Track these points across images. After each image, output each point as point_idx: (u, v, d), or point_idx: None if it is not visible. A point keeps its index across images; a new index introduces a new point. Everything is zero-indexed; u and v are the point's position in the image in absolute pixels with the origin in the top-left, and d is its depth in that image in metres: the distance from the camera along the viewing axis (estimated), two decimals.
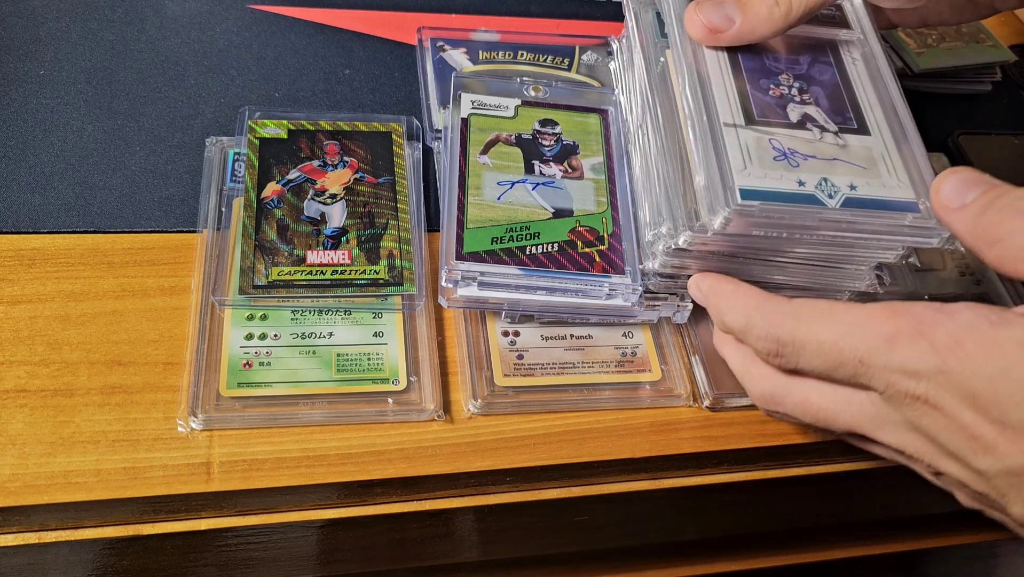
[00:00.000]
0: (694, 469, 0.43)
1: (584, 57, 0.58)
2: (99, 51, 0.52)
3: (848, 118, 0.42)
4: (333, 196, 0.45)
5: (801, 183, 0.39)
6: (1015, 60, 0.63)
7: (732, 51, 0.44)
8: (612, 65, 0.54)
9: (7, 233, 0.43)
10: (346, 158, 0.47)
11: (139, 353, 0.40)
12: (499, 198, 0.44)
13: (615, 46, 0.53)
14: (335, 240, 0.44)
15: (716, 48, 0.43)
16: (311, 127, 0.48)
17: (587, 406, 0.42)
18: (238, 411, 0.38)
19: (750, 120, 0.41)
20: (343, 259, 0.43)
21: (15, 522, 0.36)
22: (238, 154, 0.47)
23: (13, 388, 0.38)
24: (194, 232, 0.45)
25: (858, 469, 0.45)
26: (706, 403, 0.43)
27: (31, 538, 0.37)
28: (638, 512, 0.46)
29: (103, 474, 0.36)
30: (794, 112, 0.42)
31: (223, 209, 0.45)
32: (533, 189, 0.45)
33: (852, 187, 0.39)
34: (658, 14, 0.47)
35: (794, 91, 0.43)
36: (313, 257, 0.43)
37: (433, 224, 0.47)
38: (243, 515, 0.38)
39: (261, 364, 0.40)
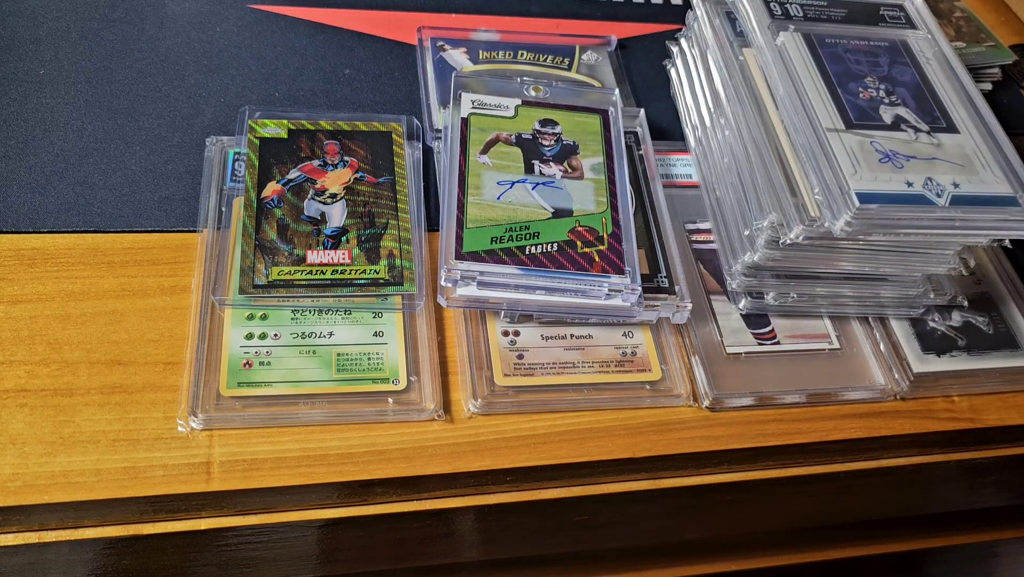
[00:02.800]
0: (694, 469, 0.43)
1: (584, 57, 0.58)
2: (99, 51, 0.52)
3: (936, 117, 0.44)
4: (333, 196, 0.45)
5: (909, 184, 0.41)
6: (1015, 60, 0.63)
7: (815, 55, 0.46)
8: (671, 62, 0.56)
9: (7, 233, 0.43)
10: (346, 158, 0.47)
11: (139, 353, 0.40)
12: (499, 198, 0.44)
13: (673, 46, 0.56)
14: (335, 240, 0.44)
15: (800, 53, 0.45)
16: (311, 127, 0.48)
17: (587, 406, 0.42)
18: (238, 411, 0.38)
19: (849, 124, 0.43)
20: (343, 259, 0.43)
21: (15, 521, 0.36)
22: (238, 154, 0.47)
23: (13, 388, 0.38)
24: (194, 232, 0.45)
25: (858, 469, 0.45)
26: (706, 403, 0.43)
27: (31, 537, 0.37)
28: (638, 512, 0.46)
29: (103, 474, 0.36)
30: (887, 114, 0.44)
31: (223, 209, 0.45)
32: (533, 189, 0.45)
33: (955, 185, 0.41)
34: (728, 13, 0.50)
35: (882, 93, 0.45)
36: (313, 257, 0.43)
37: (433, 224, 0.47)
38: (243, 515, 0.38)
39: (261, 364, 0.40)
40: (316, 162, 0.46)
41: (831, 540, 0.58)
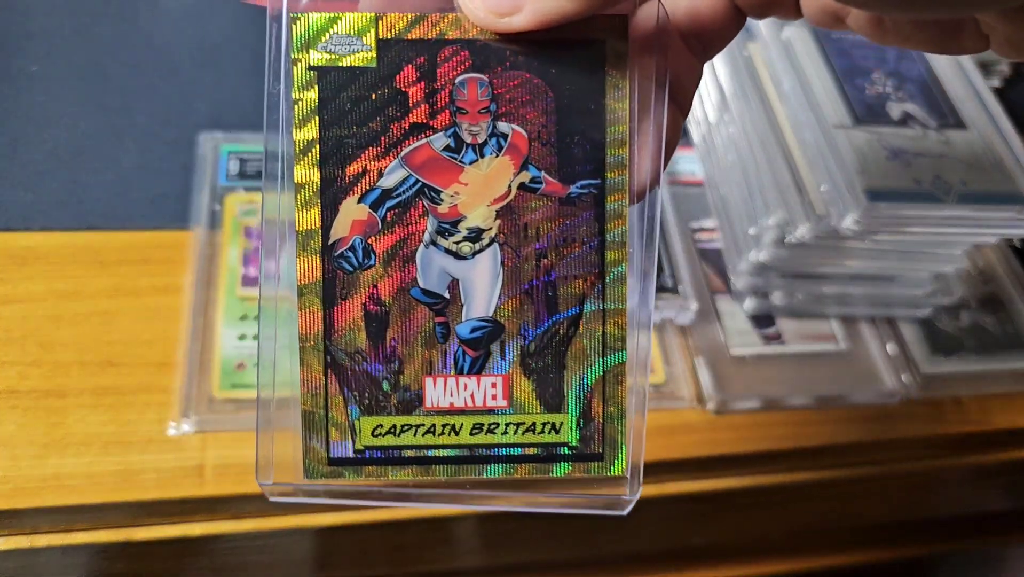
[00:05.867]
0: (699, 473, 0.42)
1: None
2: (92, 46, 0.52)
3: (945, 114, 0.44)
4: (476, 233, 0.22)
5: (917, 181, 0.40)
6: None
7: (822, 49, 0.45)
8: None
9: None
10: (503, 125, 0.21)
11: (132, 353, 0.39)
12: None
13: None
14: (478, 349, 0.22)
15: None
16: (431, 30, 0.21)
17: None
18: (231, 413, 0.38)
19: (856, 120, 0.42)
20: (494, 397, 0.22)
21: (6, 525, 0.36)
22: (232, 152, 0.46)
23: (4, 389, 0.37)
24: (187, 229, 0.44)
25: (866, 474, 0.44)
26: (711, 406, 0.42)
27: (23, 542, 0.36)
28: (642, 517, 0.45)
29: (95, 477, 0.36)
30: (895, 110, 0.43)
31: (216, 207, 0.44)
32: None
33: (963, 183, 0.40)
34: None
35: (889, 88, 0.44)
36: (434, 392, 0.21)
37: None
38: (237, 519, 0.38)
39: (255, 365, 0.39)
40: (440, 138, 0.21)
41: (839, 545, 0.57)
